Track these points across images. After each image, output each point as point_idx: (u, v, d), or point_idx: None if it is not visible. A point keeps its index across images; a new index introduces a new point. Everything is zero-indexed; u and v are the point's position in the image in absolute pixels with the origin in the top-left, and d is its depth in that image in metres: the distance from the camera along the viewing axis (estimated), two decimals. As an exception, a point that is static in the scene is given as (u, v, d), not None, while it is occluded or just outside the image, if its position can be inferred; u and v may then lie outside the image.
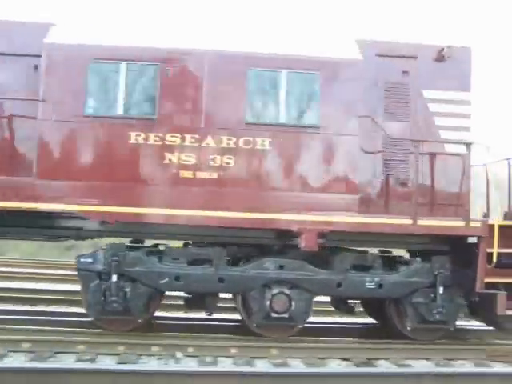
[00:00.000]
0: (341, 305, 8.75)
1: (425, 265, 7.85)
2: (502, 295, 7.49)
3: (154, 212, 7.36)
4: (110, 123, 7.42)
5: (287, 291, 7.59)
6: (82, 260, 7.57)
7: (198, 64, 7.50)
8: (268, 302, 7.55)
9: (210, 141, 7.41)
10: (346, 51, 7.72)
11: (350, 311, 8.86)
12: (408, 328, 7.93)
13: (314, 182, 7.54)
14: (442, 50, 8.19)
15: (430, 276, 7.73)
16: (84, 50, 7.41)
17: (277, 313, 7.55)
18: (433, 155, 8.07)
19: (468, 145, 7.88)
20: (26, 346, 6.87)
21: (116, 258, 7.35)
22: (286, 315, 7.58)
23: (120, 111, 7.40)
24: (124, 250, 7.52)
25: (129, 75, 7.39)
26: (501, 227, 7.84)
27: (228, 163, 7.41)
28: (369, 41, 8.21)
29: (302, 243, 7.33)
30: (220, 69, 7.48)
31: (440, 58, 8.25)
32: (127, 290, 7.44)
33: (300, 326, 7.76)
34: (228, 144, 7.41)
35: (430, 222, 7.56)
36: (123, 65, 7.38)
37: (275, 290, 7.57)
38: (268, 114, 7.56)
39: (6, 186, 7.21)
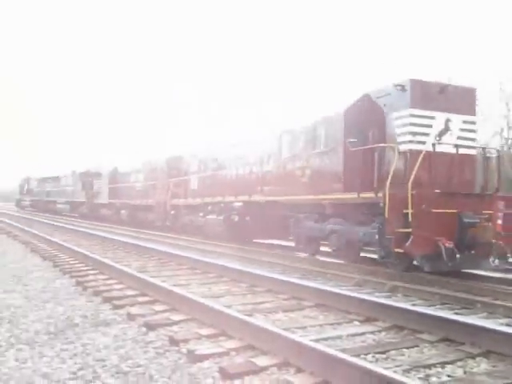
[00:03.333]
0: None
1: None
2: (395, 236, 12.05)
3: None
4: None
5: (335, 234, 14.86)
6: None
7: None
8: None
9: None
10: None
11: None
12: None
13: (330, 182, 14.66)
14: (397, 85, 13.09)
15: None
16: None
17: (334, 246, 14.99)
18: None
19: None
20: None
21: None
22: (335, 248, 14.90)
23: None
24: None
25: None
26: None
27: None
28: (369, 93, 14.14)
29: (327, 211, 14.70)
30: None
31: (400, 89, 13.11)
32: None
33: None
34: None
35: (366, 195, 13.05)
36: None
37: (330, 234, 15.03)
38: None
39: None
